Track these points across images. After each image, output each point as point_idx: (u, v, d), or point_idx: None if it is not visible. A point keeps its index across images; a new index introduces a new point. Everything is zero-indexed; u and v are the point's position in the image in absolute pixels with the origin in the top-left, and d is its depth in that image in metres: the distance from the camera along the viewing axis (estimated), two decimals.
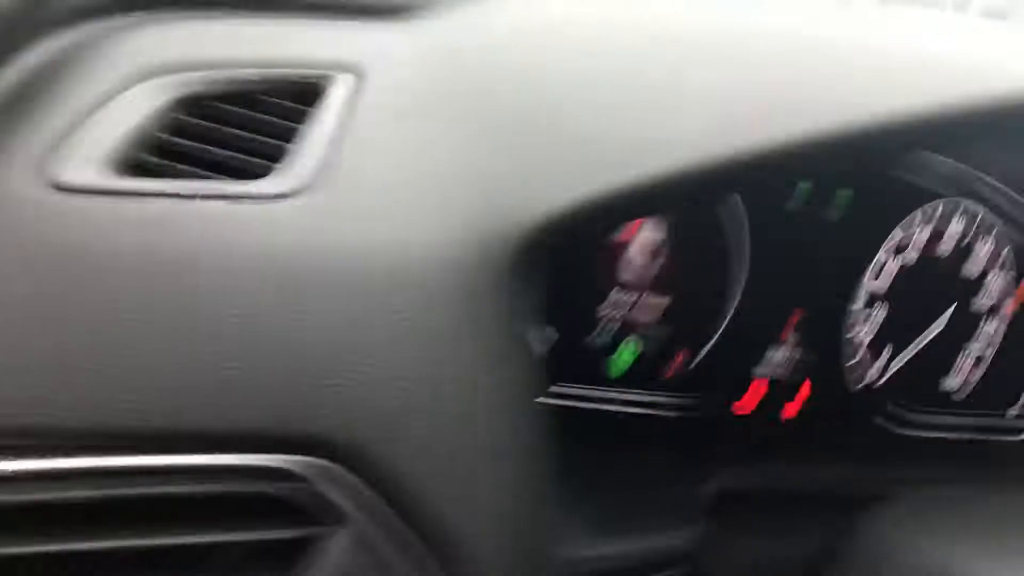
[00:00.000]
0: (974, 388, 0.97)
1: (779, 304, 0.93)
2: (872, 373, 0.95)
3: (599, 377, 0.90)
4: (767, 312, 0.92)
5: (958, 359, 0.96)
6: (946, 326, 0.95)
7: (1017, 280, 0.96)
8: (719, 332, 0.91)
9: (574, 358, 0.89)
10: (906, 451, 0.95)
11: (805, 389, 0.94)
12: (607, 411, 0.90)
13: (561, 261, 0.87)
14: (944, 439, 0.96)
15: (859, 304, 0.94)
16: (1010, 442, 0.98)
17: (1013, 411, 0.97)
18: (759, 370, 0.93)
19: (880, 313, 0.95)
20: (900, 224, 0.94)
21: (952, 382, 0.97)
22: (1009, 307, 0.96)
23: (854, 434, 0.95)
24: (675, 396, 0.91)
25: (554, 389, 0.89)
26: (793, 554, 0.80)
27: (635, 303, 0.89)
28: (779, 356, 0.93)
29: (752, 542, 0.83)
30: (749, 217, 0.90)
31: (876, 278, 0.94)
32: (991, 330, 0.96)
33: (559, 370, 0.88)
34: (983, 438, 0.97)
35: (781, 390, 0.93)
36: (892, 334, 0.95)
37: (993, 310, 0.96)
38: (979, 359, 0.96)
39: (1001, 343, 0.96)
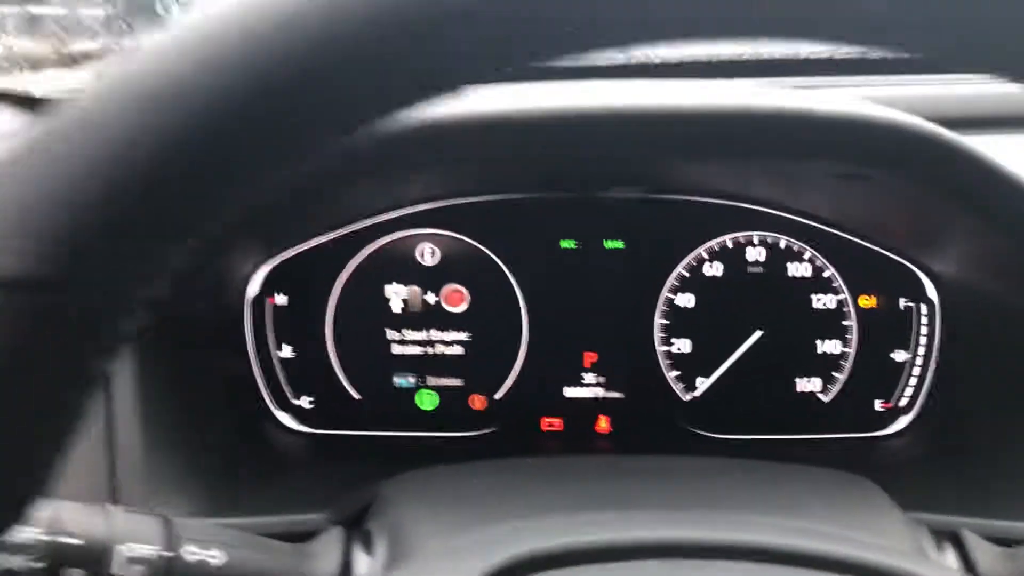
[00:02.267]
0: (840, 389, 1.01)
1: (569, 347, 1.02)
2: (689, 395, 1.02)
3: (411, 415, 1.03)
4: (558, 356, 1.02)
5: (809, 362, 1.01)
6: (782, 334, 1.01)
7: (854, 290, 0.99)
8: (512, 377, 1.02)
9: (385, 400, 1.02)
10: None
11: (604, 423, 1.03)
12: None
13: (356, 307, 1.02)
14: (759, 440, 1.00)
15: (657, 340, 1.02)
16: (880, 436, 1.01)
17: (879, 407, 1.01)
18: (557, 408, 1.03)
19: (682, 343, 1.02)
20: (682, 265, 1.01)
21: (809, 384, 1.01)
22: (854, 313, 1.00)
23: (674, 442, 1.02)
24: (480, 431, 1.03)
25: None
26: None
27: (427, 353, 1.02)
28: (578, 394, 1.02)
29: None
30: (525, 268, 1.01)
31: (667, 316, 1.01)
32: (840, 334, 1.00)
33: (376, 413, 1.02)
34: (850, 436, 1.01)
35: (582, 420, 1.03)
36: (704, 357, 1.01)
37: (836, 315, 1.00)
38: (836, 361, 1.01)
39: (856, 347, 1.00)
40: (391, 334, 1.01)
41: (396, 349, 1.01)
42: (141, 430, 0.74)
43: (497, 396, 1.02)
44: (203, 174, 0.29)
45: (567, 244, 1.01)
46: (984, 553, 0.64)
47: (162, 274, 0.31)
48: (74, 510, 0.54)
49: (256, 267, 0.97)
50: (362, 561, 0.62)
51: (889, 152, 0.71)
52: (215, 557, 0.57)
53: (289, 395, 1.00)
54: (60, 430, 0.32)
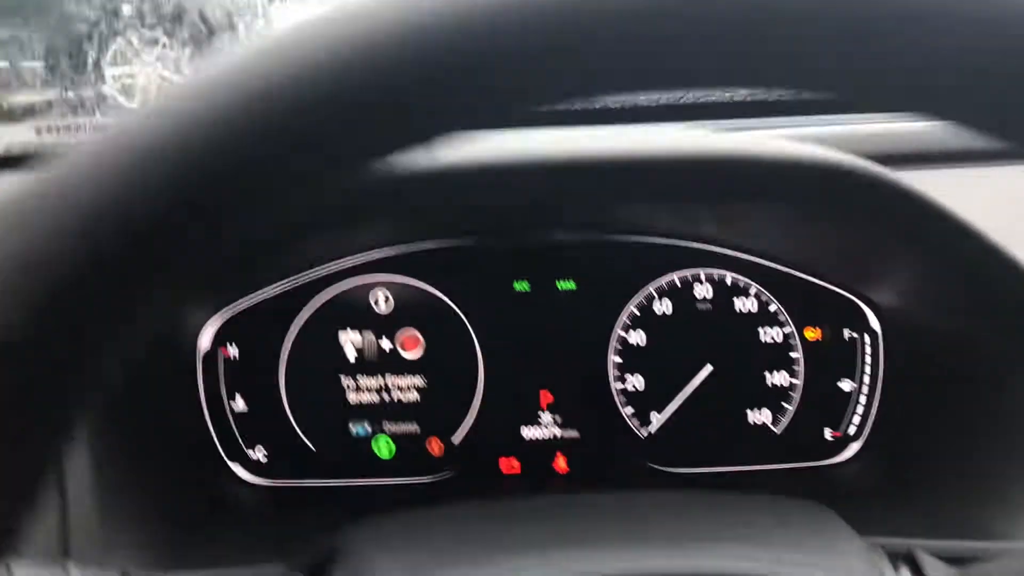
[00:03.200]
0: (791, 419, 1.03)
1: (525, 388, 1.03)
2: (644, 430, 1.03)
3: (368, 463, 1.02)
4: (514, 398, 1.03)
5: (757, 397, 1.03)
6: (729, 371, 1.02)
7: (800, 323, 1.02)
8: (468, 420, 1.02)
9: (341, 449, 1.02)
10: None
11: (563, 462, 1.03)
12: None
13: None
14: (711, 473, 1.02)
15: (611, 377, 1.03)
16: (831, 465, 1.03)
17: (829, 436, 1.03)
18: (515, 449, 1.03)
19: (636, 379, 1.03)
20: (633, 303, 1.02)
21: (760, 416, 1.03)
22: (801, 345, 1.02)
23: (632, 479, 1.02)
24: (437, 477, 1.02)
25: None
26: None
27: (383, 399, 1.02)
28: (535, 435, 1.03)
29: None
30: (479, 311, 1.02)
31: (620, 354, 1.03)
32: (788, 366, 1.03)
33: (332, 462, 1.01)
34: (803, 465, 1.03)
35: (539, 461, 1.03)
36: (657, 392, 1.03)
37: (783, 348, 1.02)
38: (785, 392, 1.03)
39: (804, 378, 1.02)
40: (346, 382, 1.01)
41: (352, 397, 1.01)
42: (93, 483, 0.73)
43: (454, 440, 1.02)
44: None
45: (520, 287, 1.02)
46: (938, 572, 0.66)
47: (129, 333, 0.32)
48: (30, 568, 0.53)
49: (207, 320, 0.96)
50: None
51: (833, 192, 0.74)
52: None
53: (243, 447, 0.99)
54: (27, 486, 0.32)
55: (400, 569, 0.62)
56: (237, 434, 0.98)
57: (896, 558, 0.68)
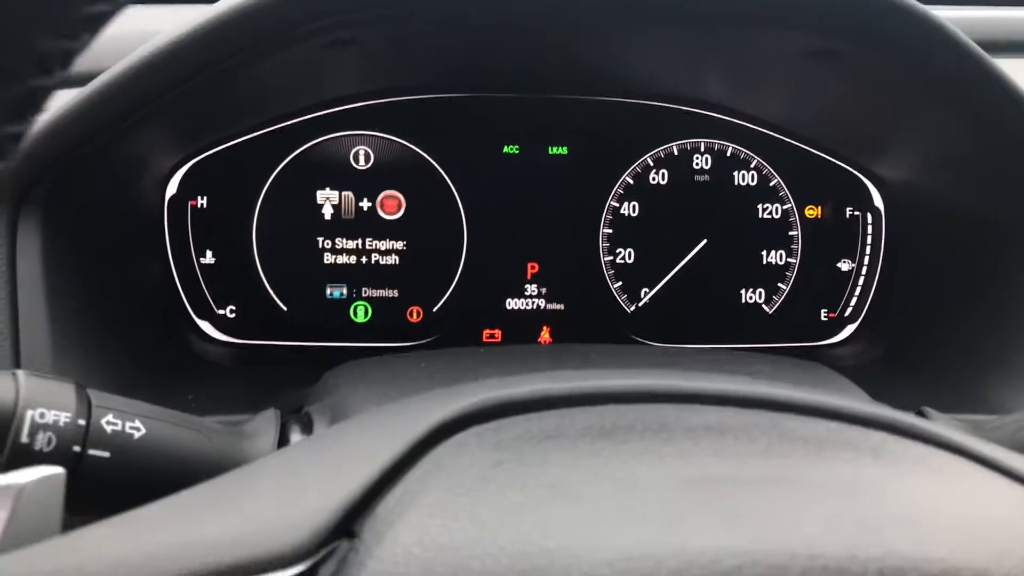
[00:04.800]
0: (785, 299, 0.99)
1: (511, 257, 0.98)
2: (633, 305, 0.99)
3: (343, 327, 0.96)
4: (499, 267, 0.98)
5: (754, 272, 0.99)
6: (727, 244, 0.98)
7: (800, 200, 0.98)
8: (450, 288, 0.97)
9: (315, 311, 0.96)
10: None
11: (547, 334, 0.99)
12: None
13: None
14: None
15: (601, 249, 0.98)
16: (826, 345, 0.99)
17: (824, 316, 0.99)
18: (498, 320, 0.98)
19: (627, 252, 0.98)
20: (627, 172, 0.97)
21: (753, 295, 0.99)
22: (800, 223, 0.98)
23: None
24: (417, 343, 0.97)
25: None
26: None
27: (361, 262, 0.96)
28: (519, 305, 0.98)
29: None
30: (465, 173, 0.96)
31: (611, 225, 0.98)
32: (786, 244, 0.98)
33: (305, 324, 0.96)
34: (796, 345, 0.99)
35: (523, 332, 0.98)
36: (649, 267, 0.98)
37: (786, 224, 0.98)
38: (780, 271, 0.99)
39: (801, 257, 0.98)
40: (322, 242, 0.95)
41: (327, 258, 0.96)
42: (48, 315, 0.67)
43: (435, 308, 0.97)
44: None
45: (509, 149, 0.97)
46: (951, 425, 0.63)
47: None
48: None
49: (176, 165, 0.90)
50: (298, 440, 0.57)
51: (865, 23, 0.68)
52: (137, 429, 0.51)
53: (212, 304, 0.93)
54: None
55: (374, 400, 0.57)
56: (205, 289, 0.93)
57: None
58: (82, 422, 0.49)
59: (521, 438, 0.39)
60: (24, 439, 0.47)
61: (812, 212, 0.98)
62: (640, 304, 0.98)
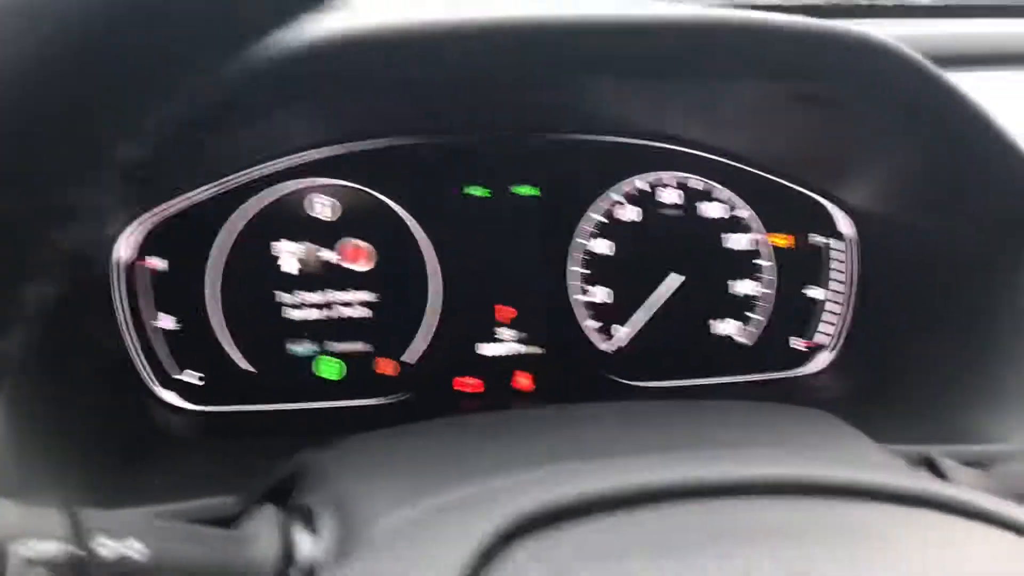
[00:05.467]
0: (759, 329, 0.98)
1: (483, 302, 0.95)
2: (609, 344, 0.97)
3: (313, 386, 0.92)
4: (471, 313, 0.95)
5: (725, 303, 0.98)
6: (697, 277, 0.97)
7: (768, 228, 0.97)
8: (423, 338, 0.94)
9: (280, 370, 0.92)
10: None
11: (525, 379, 0.96)
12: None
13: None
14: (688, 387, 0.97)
15: (573, 288, 0.96)
16: (803, 376, 0.99)
17: (799, 346, 0.99)
18: (474, 368, 0.95)
19: (599, 291, 0.96)
20: (592, 207, 0.95)
21: (727, 327, 0.98)
22: (769, 252, 0.98)
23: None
24: (391, 398, 0.94)
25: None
26: None
27: (327, 316, 0.92)
28: (494, 351, 0.96)
29: None
30: (430, 219, 0.93)
31: (582, 264, 0.96)
32: (757, 272, 0.98)
33: (273, 385, 0.92)
34: (773, 376, 0.98)
35: (500, 379, 0.96)
36: (622, 305, 0.97)
37: (753, 254, 0.98)
38: (752, 301, 0.98)
39: (772, 286, 0.98)
40: (284, 297, 0.91)
41: (291, 314, 0.92)
42: (3, 415, 0.62)
43: (407, 359, 0.94)
44: None
45: (475, 191, 0.94)
46: (960, 473, 0.62)
47: None
48: None
49: (125, 227, 0.85)
50: (306, 542, 0.53)
51: (819, 61, 0.68)
52: (136, 551, 0.46)
53: (172, 371, 0.88)
54: None
55: (386, 493, 0.54)
56: (164, 356, 0.88)
57: (912, 462, 0.64)
58: (78, 551, 0.44)
59: (577, 558, 0.37)
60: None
61: (781, 241, 0.98)
62: (615, 343, 0.96)
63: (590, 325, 0.96)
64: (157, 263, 0.87)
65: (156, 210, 0.86)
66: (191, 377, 0.89)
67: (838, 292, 0.97)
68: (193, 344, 0.89)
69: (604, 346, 0.97)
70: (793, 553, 0.37)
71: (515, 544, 0.38)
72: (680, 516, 0.39)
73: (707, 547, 0.37)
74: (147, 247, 0.86)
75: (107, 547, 0.46)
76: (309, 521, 0.55)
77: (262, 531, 0.54)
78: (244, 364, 0.91)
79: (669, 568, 0.36)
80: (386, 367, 0.93)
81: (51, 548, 0.44)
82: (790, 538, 0.38)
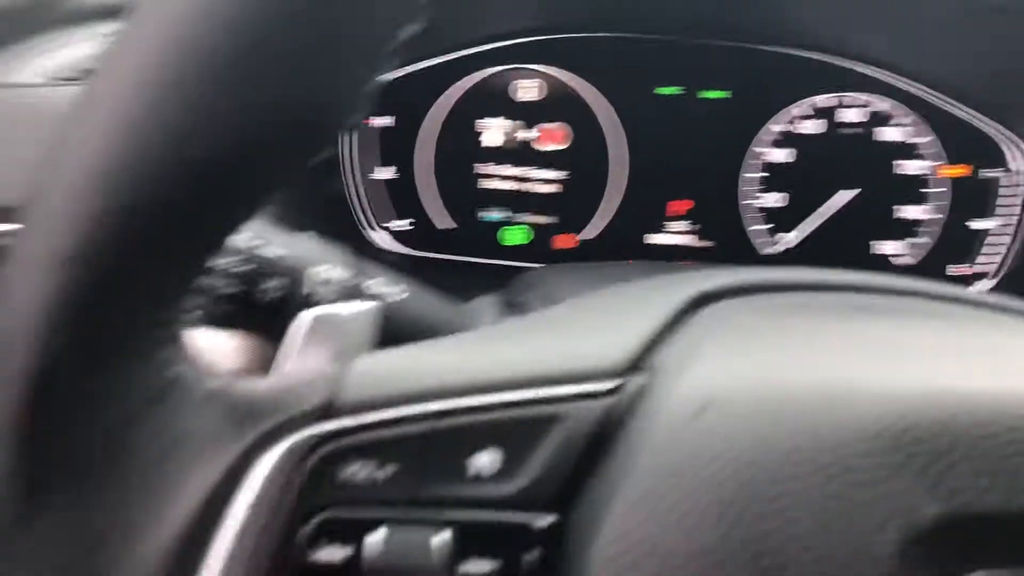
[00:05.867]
0: (921, 254, 1.03)
1: (663, 192, 1.03)
2: (773, 248, 1.04)
3: (496, 248, 1.03)
4: (648, 202, 1.03)
5: (890, 225, 1.03)
6: (867, 196, 1.02)
7: (942, 157, 1.01)
8: (603, 219, 1.03)
9: (472, 232, 1.03)
10: None
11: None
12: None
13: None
14: None
15: (746, 192, 1.03)
16: None
17: (958, 269, 1.03)
18: (642, 254, 1.04)
19: (771, 197, 1.03)
20: (775, 117, 1.02)
21: (888, 248, 1.03)
22: (939, 180, 1.01)
23: None
24: None
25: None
26: None
27: (518, 189, 1.03)
28: (662, 241, 1.04)
29: None
30: (623, 110, 1.01)
31: (758, 169, 1.02)
32: (926, 199, 1.02)
33: (464, 243, 1.03)
34: None
35: None
36: (790, 213, 1.03)
37: (924, 181, 1.02)
38: (918, 226, 1.02)
39: (939, 213, 1.02)
40: (482, 168, 1.01)
41: (487, 183, 1.02)
42: None
43: (584, 236, 1.03)
44: None
45: (667, 90, 1.01)
46: None
47: None
48: (272, 233, 0.55)
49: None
50: None
51: None
52: (396, 292, 0.57)
53: (383, 219, 1.00)
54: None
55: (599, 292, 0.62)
56: (377, 204, 1.00)
57: None
58: (356, 279, 0.56)
59: (789, 307, 0.44)
60: (308, 292, 0.54)
61: (954, 171, 1.01)
62: (779, 247, 1.03)
63: (758, 229, 1.03)
64: (383, 120, 0.99)
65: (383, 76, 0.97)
66: (398, 224, 1.01)
67: (1006, 224, 1.00)
68: (401, 198, 1.00)
69: (768, 250, 1.03)
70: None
71: (726, 300, 0.44)
72: (865, 300, 0.46)
73: (891, 315, 0.44)
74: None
75: (376, 282, 0.57)
76: (523, 311, 0.65)
77: (485, 311, 0.64)
78: (442, 222, 1.02)
79: (868, 321, 0.42)
80: (566, 241, 1.03)
81: (339, 273, 0.55)
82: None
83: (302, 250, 0.55)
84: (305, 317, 0.46)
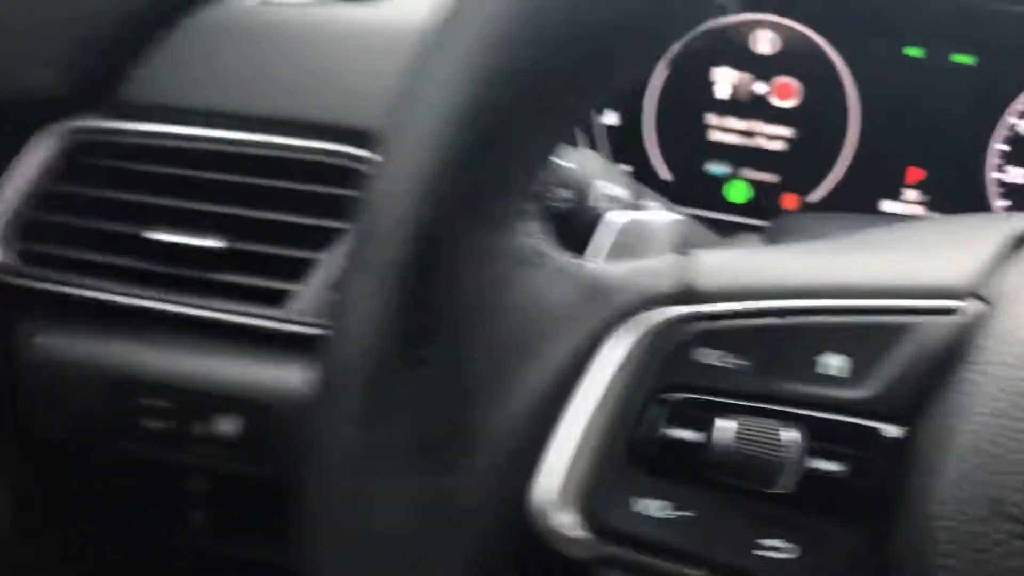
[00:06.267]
0: None
1: (895, 159, 0.99)
2: None
3: (718, 202, 1.01)
4: (882, 168, 0.99)
5: None
6: None
7: None
8: (831, 181, 0.99)
9: (694, 184, 1.01)
10: None
11: None
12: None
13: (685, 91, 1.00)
14: None
15: (989, 164, 0.97)
16: None
17: None
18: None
19: (1017, 172, 0.97)
20: None
21: None
22: None
23: None
24: None
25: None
26: None
27: (747, 144, 1.00)
28: (895, 209, 0.99)
29: None
30: (864, 70, 0.97)
31: (1006, 140, 0.96)
32: None
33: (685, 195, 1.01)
34: None
35: None
36: None
37: None
38: None
39: None
40: (712, 119, 0.99)
41: (714, 136, 1.00)
42: None
43: (811, 198, 0.99)
44: None
45: (912, 52, 0.96)
46: None
47: None
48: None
49: None
50: None
51: None
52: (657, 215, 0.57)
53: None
54: None
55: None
56: (604, 149, 0.99)
57: None
58: (636, 198, 0.56)
59: None
60: (593, 204, 0.55)
61: None
62: None
63: (999, 204, 0.97)
64: None
65: None
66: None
67: None
68: (624, 143, 1.00)
69: None
70: None
71: None
72: None
73: None
74: None
75: (654, 205, 0.57)
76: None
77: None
78: (664, 173, 1.01)
79: None
80: (790, 202, 1.00)
81: (618, 191, 0.55)
82: None
83: (590, 165, 0.55)
84: (616, 218, 0.46)
